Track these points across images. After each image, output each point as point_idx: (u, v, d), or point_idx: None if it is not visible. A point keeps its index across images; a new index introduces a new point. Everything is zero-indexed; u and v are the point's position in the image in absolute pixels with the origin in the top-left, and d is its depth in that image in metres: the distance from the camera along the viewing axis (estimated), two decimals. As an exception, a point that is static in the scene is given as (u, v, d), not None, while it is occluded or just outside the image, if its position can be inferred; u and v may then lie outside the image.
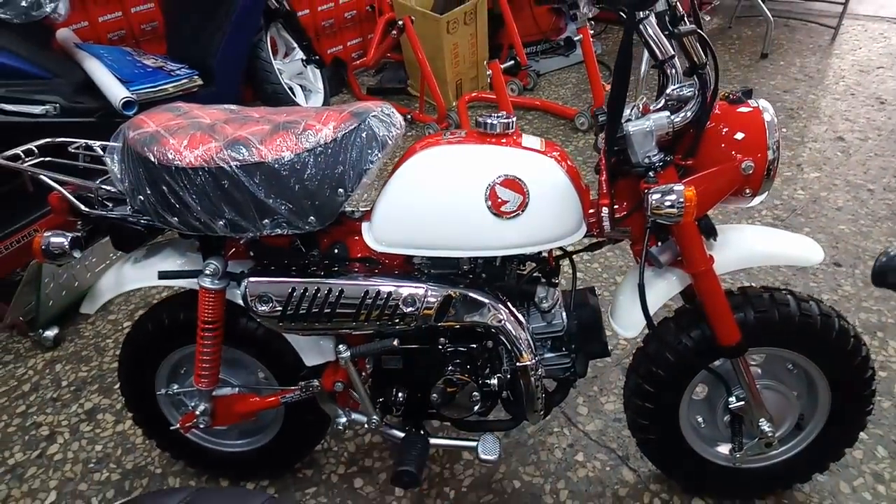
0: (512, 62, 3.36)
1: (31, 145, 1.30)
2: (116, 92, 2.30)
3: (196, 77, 2.56)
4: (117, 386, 1.94)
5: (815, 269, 2.10)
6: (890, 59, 3.58)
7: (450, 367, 1.30)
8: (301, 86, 3.14)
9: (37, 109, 2.21)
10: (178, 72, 2.57)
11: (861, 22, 4.10)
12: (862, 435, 1.57)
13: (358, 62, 3.67)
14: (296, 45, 3.09)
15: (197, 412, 1.39)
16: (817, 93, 3.27)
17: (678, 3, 1.00)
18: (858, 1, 4.28)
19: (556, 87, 3.54)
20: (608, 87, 1.23)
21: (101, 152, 1.32)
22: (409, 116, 3.18)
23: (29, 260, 2.09)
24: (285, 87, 2.92)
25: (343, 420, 1.42)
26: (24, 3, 2.18)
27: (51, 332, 2.10)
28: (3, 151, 2.22)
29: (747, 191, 1.11)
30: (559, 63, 3.74)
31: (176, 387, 1.47)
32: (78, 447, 1.77)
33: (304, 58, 3.10)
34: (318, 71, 3.18)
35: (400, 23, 2.91)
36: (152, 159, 1.10)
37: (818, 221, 2.34)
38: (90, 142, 1.34)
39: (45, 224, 2.07)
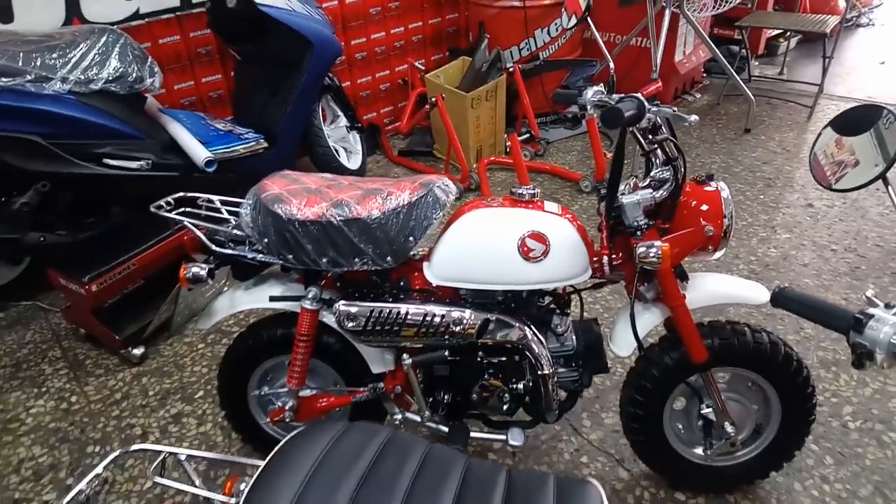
0: (527, 134, 3.85)
1: (170, 198, 1.73)
2: (200, 152, 2.75)
3: (262, 141, 3.02)
4: (198, 395, 2.33)
5: (782, 314, 2.51)
6: (858, 137, 4.06)
7: (486, 375, 1.69)
8: (344, 148, 3.61)
9: (134, 165, 2.67)
10: (246, 135, 3.04)
11: (835, 102, 4.61)
12: (813, 447, 1.95)
13: (390, 127, 4.18)
14: (341, 113, 3.58)
15: (286, 408, 1.77)
16: (793, 164, 3.74)
17: (658, 119, 1.43)
18: (833, 83, 4.80)
19: (563, 153, 4.02)
20: (609, 155, 1.63)
21: (219, 204, 1.75)
22: (435, 176, 3.63)
23: (124, 287, 2.51)
24: (332, 149, 3.39)
25: (399, 416, 1.80)
26: (130, 79, 2.66)
27: (138, 351, 2.50)
28: (111, 195, 2.69)
29: (710, 247, 1.53)
30: (566, 133, 4.23)
31: (266, 389, 1.86)
32: (167, 444, 2.14)
33: (349, 125, 3.58)
34: (358, 136, 3.66)
35: (433, 99, 3.40)
36: (280, 213, 1.53)
37: (787, 275, 2.75)
38: (211, 196, 1.77)
39: (141, 260, 2.48)
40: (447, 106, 3.42)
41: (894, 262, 2.82)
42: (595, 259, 1.60)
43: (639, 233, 1.50)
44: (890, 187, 1.04)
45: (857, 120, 1.14)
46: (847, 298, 2.59)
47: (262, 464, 0.99)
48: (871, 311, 0.90)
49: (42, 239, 2.60)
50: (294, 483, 0.91)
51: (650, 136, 1.43)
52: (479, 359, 1.70)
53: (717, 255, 1.56)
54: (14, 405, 2.34)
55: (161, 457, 1.11)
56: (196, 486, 1.05)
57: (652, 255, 1.42)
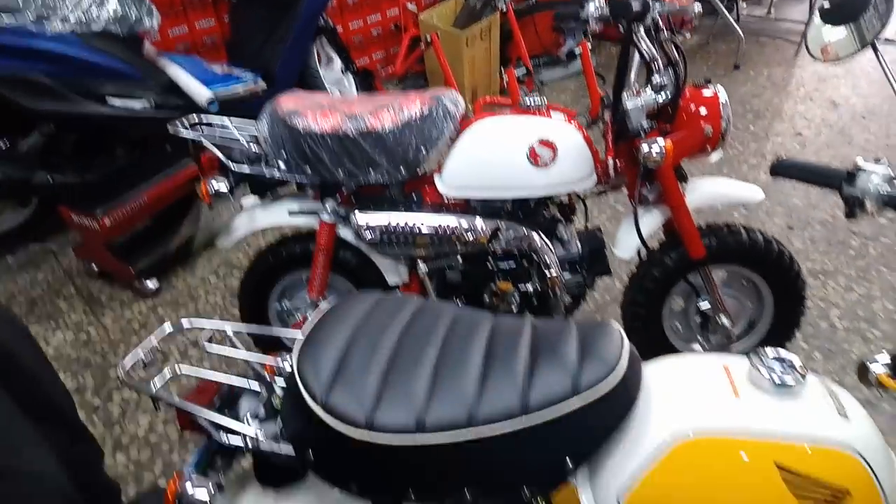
0: (523, 69, 3.88)
1: (185, 120, 1.76)
2: (202, 92, 2.77)
3: (260, 81, 3.04)
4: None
5: (773, 231, 2.62)
6: (843, 69, 4.14)
7: (496, 279, 1.78)
8: (339, 90, 3.64)
9: (137, 105, 2.69)
10: (243, 76, 3.06)
11: (822, 39, 4.67)
12: (803, 345, 2.08)
13: (384, 71, 4.19)
14: (335, 56, 3.60)
15: (308, 317, 1.86)
16: (781, 97, 3.82)
17: (659, 20, 1.50)
18: (820, 21, 4.84)
19: (557, 93, 4.07)
20: (603, 94, 1.70)
21: (232, 126, 1.77)
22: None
23: (134, 224, 2.57)
24: (328, 90, 3.42)
25: None
26: (130, 21, 2.66)
27: (152, 283, 2.57)
28: (115, 136, 2.71)
29: (708, 148, 1.62)
30: (559, 73, 4.27)
31: (287, 303, 1.95)
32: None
33: (343, 67, 3.60)
34: (353, 78, 3.69)
35: (428, 38, 3.42)
36: (297, 127, 1.59)
37: (777, 197, 2.86)
38: (225, 118, 1.81)
39: (151, 195, 2.53)
40: (442, 46, 3.44)
41: (879, 183, 2.93)
42: (600, 164, 1.68)
43: (642, 135, 1.58)
44: (879, 52, 1.13)
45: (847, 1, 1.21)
46: (834, 216, 2.71)
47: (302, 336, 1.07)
48: (861, 165, 0.99)
49: (50, 179, 2.64)
50: (340, 340, 0.98)
51: (653, 35, 1.50)
52: (489, 265, 1.79)
53: (715, 156, 1.65)
54: (35, 339, 2.41)
55: (210, 331, 1.18)
56: (242, 352, 1.13)
57: (655, 152, 1.51)
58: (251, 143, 1.71)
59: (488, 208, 1.73)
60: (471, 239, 1.69)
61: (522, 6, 3.92)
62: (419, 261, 1.77)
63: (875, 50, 1.15)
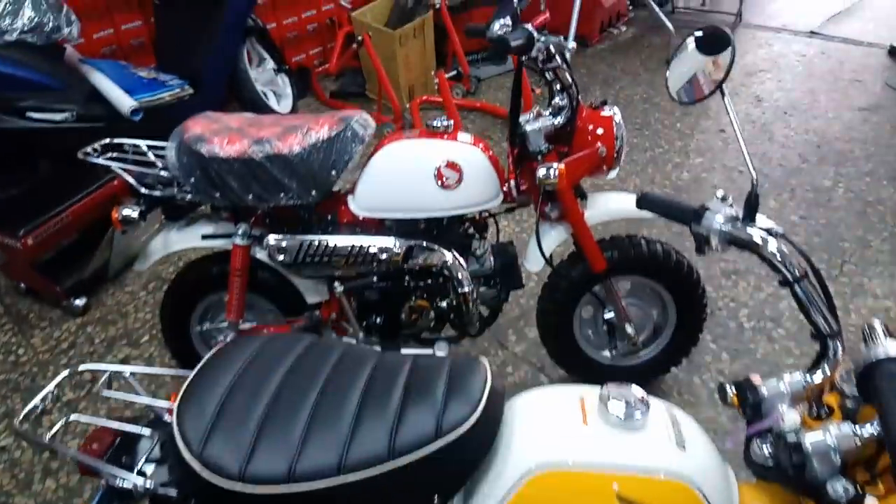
0: (455, 71, 3.92)
1: (97, 145, 1.71)
2: (125, 101, 2.73)
3: (187, 87, 3.01)
4: (144, 340, 2.42)
5: (687, 232, 2.73)
6: (770, 64, 4.29)
7: (413, 297, 1.84)
8: (273, 91, 3.61)
9: (58, 117, 2.64)
10: (170, 82, 3.01)
11: (751, 30, 4.80)
12: (712, 346, 2.19)
13: (320, 69, 4.17)
14: (267, 56, 3.56)
15: (227, 341, 1.88)
16: (709, 93, 3.93)
17: (550, 47, 1.55)
18: (750, 12, 4.98)
19: (494, 90, 4.11)
20: (538, 91, 1.74)
21: (146, 149, 1.74)
22: (368, 117, 3.68)
23: (60, 240, 2.53)
24: (260, 93, 3.40)
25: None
26: (47, 29, 2.60)
27: (80, 301, 2.54)
28: (36, 149, 2.66)
29: (604, 168, 1.69)
30: (497, 69, 4.31)
31: (208, 325, 1.97)
32: (117, 385, 2.23)
33: (276, 67, 3.58)
34: (287, 78, 3.66)
35: (360, 38, 3.42)
36: (203, 153, 1.60)
37: (697, 196, 2.97)
38: (137, 141, 1.74)
39: (75, 211, 2.49)
40: (375, 44, 3.44)
41: (794, 179, 3.07)
42: (506, 184, 1.74)
43: (540, 157, 1.64)
44: (726, 98, 1.19)
45: (714, 39, 1.27)
46: (748, 214, 2.83)
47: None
48: (708, 204, 1.07)
49: (-31, 198, 2.58)
50: (222, 385, 1.00)
51: (540, 66, 1.56)
52: (405, 283, 1.84)
53: (612, 174, 1.72)
54: (-41, 361, 2.38)
55: (107, 374, 1.20)
56: (142, 396, 1.16)
57: (550, 175, 1.57)
58: (162, 169, 1.71)
59: (402, 227, 1.77)
60: (385, 258, 1.74)
61: (456, 2, 3.93)
62: (336, 280, 1.80)
63: (722, 94, 1.22)
